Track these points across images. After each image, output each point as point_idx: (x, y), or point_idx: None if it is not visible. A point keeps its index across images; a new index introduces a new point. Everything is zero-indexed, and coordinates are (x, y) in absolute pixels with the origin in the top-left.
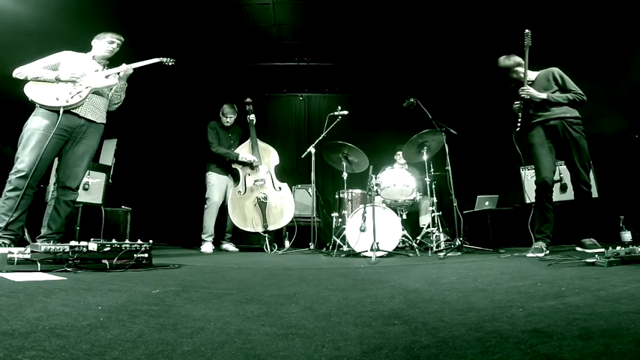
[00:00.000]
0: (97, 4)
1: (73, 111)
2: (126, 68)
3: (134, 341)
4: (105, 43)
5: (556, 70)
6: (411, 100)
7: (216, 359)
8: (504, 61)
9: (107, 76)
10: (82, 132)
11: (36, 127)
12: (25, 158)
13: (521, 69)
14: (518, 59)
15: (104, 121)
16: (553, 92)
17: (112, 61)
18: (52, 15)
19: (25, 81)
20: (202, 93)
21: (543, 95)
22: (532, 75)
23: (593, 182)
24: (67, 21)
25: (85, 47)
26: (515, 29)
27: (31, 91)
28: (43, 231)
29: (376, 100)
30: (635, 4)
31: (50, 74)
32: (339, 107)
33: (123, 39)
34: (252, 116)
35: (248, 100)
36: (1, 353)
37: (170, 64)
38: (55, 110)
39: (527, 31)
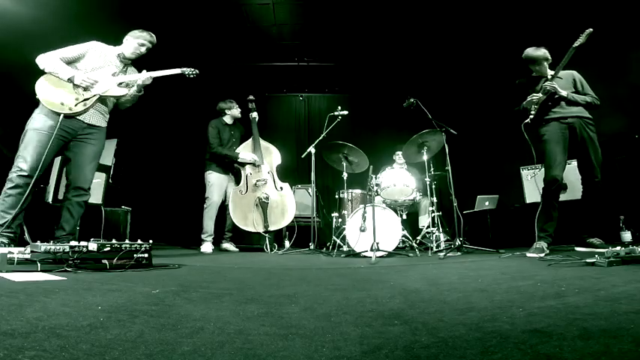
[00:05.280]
0: (97, 4)
1: (77, 117)
2: (146, 77)
3: (134, 341)
4: (135, 44)
5: (577, 74)
6: (411, 100)
7: (216, 359)
8: (534, 52)
9: (120, 84)
10: (86, 134)
11: (39, 126)
12: (27, 157)
13: (547, 63)
14: (547, 53)
15: (106, 124)
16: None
17: (134, 61)
18: (51, 15)
19: (43, 72)
20: (202, 93)
21: (564, 93)
22: (550, 73)
23: None
24: (67, 21)
25: None
26: (515, 29)
27: (40, 89)
28: (57, 233)
29: (376, 100)
30: (634, 4)
31: (65, 73)
32: (339, 107)
33: (155, 42)
34: (255, 114)
35: (251, 97)
36: (1, 353)
37: (192, 75)
38: (58, 113)
39: (589, 30)
